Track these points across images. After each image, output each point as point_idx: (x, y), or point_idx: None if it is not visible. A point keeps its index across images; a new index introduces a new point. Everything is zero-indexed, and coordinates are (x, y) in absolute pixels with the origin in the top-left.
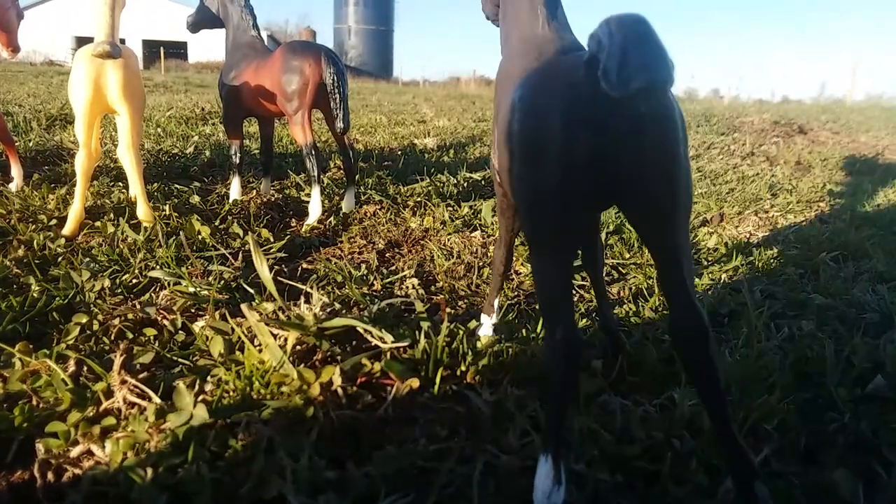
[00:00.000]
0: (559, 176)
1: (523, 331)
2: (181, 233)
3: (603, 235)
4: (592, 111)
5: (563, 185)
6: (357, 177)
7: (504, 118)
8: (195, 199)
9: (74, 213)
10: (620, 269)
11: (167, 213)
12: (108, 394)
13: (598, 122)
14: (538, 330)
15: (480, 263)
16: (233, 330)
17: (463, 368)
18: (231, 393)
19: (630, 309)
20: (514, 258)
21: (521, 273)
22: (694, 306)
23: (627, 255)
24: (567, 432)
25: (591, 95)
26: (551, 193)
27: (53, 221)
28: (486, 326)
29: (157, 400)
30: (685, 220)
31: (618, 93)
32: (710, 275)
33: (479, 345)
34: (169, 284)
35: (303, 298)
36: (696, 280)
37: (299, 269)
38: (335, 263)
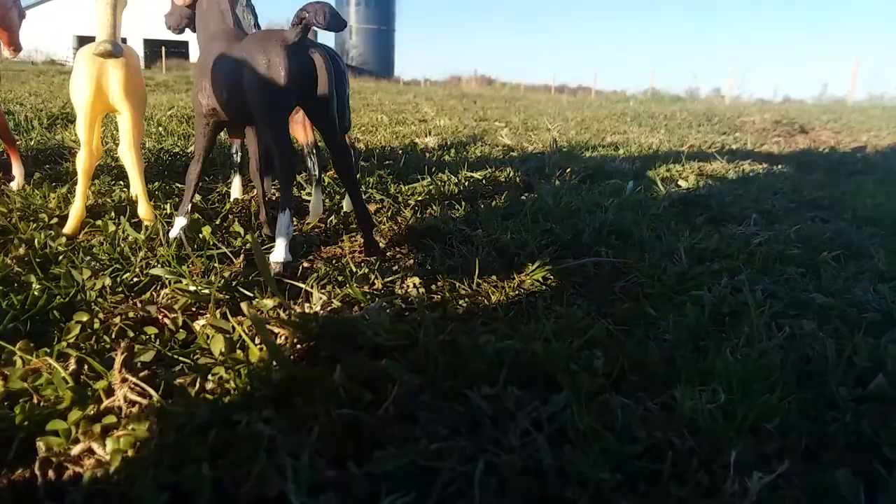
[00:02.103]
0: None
1: (523, 329)
2: (182, 231)
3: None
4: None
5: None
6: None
7: (264, 68)
8: (196, 197)
9: (75, 211)
10: (621, 267)
11: (168, 211)
12: (109, 392)
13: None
14: (538, 329)
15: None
16: (234, 328)
17: (463, 367)
18: (232, 392)
19: (631, 308)
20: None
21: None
22: (346, 146)
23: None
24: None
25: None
26: (289, 95)
27: (54, 220)
28: (177, 226)
29: (157, 398)
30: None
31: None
32: (711, 274)
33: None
34: (170, 283)
35: (303, 297)
36: (697, 279)
37: (300, 267)
38: (336, 262)
